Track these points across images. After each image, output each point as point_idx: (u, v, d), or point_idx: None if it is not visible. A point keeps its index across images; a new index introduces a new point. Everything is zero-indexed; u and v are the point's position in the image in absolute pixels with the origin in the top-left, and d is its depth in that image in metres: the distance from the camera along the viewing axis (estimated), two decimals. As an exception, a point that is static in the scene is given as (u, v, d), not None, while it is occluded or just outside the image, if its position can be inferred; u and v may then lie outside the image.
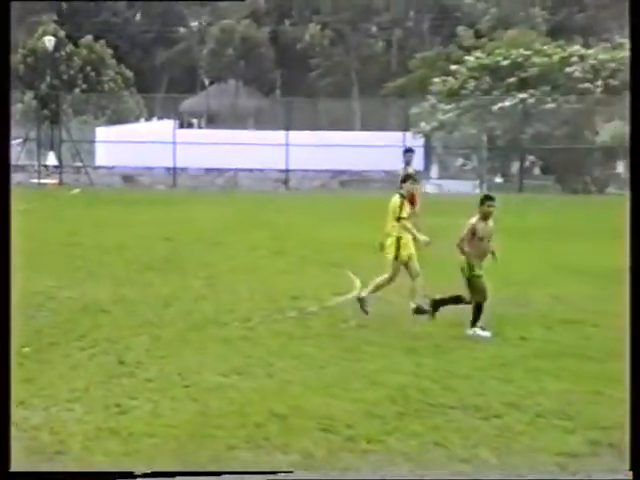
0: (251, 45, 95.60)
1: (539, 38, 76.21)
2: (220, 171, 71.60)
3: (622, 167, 69.54)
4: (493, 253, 21.59)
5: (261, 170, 70.97)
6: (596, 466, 13.04)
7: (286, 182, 70.88)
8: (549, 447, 13.79)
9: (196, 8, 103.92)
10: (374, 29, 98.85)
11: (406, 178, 24.76)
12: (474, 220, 21.37)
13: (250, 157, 69.27)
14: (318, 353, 19.18)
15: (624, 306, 22.62)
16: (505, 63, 70.39)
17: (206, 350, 19.44)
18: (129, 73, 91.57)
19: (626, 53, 70.81)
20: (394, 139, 71.07)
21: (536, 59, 69.98)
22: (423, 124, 71.34)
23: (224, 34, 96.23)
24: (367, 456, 13.42)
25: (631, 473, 8.49)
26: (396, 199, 23.82)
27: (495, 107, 68.33)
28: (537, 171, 73.25)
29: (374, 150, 69.86)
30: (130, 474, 9.43)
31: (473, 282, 21.31)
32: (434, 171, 72.41)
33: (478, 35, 77.82)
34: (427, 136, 71.52)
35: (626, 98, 51.31)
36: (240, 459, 13.06)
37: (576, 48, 71.68)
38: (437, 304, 22.16)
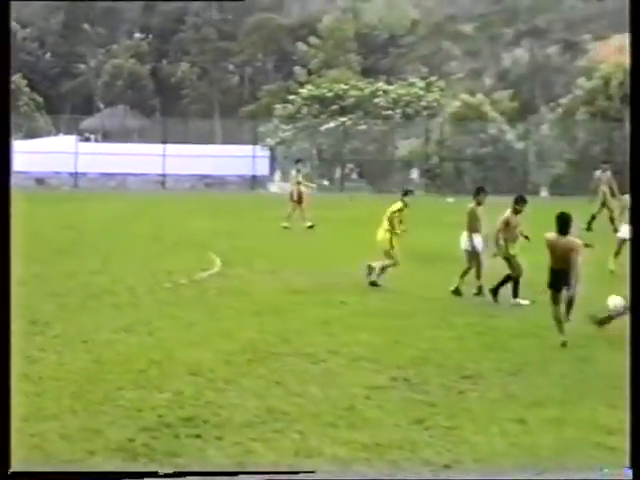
0: (136, 78, 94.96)
1: (354, 76, 76.75)
2: (112, 175, 70.85)
3: (415, 174, 70.17)
4: (526, 237, 21.91)
5: (144, 175, 70.45)
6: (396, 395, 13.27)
7: (163, 184, 70.35)
8: (361, 383, 14.03)
9: (94, 49, 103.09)
10: (231, 67, 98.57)
11: (407, 192, 24.80)
12: (508, 214, 21.67)
13: (136, 164, 68.87)
14: (187, 315, 19.20)
15: (415, 276, 22.87)
16: (329, 94, 70.87)
17: (101, 313, 19.38)
18: (40, 99, 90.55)
19: (416, 90, 71.81)
20: (246, 151, 71.28)
21: (352, 92, 70.75)
22: (269, 140, 71.61)
23: (115, 69, 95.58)
24: (224, 393, 13.55)
25: (631, 472, 7.66)
26: (396, 206, 24.31)
27: (322, 128, 68.73)
28: (355, 176, 73.64)
29: (231, 159, 70.04)
30: (132, 474, 8.40)
31: (510, 260, 21.64)
32: (277, 176, 72.50)
33: (310, 73, 78.09)
34: (271, 149, 71.73)
35: (417, 123, 51.00)
36: (126, 397, 13.05)
37: (381, 84, 72.49)
38: (496, 290, 21.90)
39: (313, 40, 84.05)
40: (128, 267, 26.55)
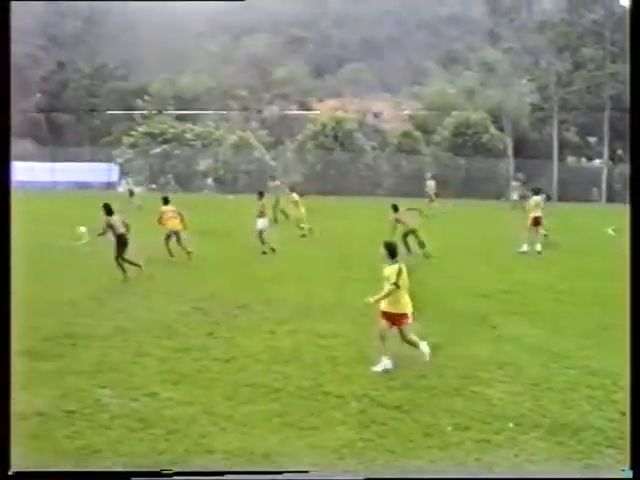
0: (37, 121, 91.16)
1: (172, 120, 75.68)
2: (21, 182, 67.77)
3: (210, 181, 69.82)
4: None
5: (40, 182, 67.74)
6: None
7: (54, 187, 67.84)
8: (174, 310, 13.84)
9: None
10: (96, 114, 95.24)
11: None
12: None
13: (35, 175, 66.46)
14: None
15: (204, 244, 22.45)
16: (156, 131, 70.13)
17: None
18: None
19: (210, 129, 71.34)
20: (104, 167, 70.35)
21: (171, 130, 70.39)
22: (118, 159, 70.37)
23: (21, 115, 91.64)
24: (90, 318, 13.14)
25: (631, 473, 6.43)
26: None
27: (152, 152, 68.10)
28: (172, 182, 72.40)
29: (95, 172, 69.21)
30: (132, 473, 6.98)
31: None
32: (123, 182, 71.12)
33: (144, 117, 76.65)
34: (121, 165, 70.34)
35: (211, 149, 49.10)
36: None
37: (189, 126, 72.39)
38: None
39: (146, 97, 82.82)
40: None
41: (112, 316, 13.40)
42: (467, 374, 10.08)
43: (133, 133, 71.52)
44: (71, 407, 8.60)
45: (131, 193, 43.30)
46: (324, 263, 20.73)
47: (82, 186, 68.58)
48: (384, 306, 10.25)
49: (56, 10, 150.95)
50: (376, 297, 10.20)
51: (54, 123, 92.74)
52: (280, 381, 9.69)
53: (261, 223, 22.34)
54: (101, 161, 71.89)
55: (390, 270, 10.24)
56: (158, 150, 68.00)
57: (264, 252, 21.80)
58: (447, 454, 7.45)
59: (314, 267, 19.96)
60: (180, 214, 20.94)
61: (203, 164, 68.72)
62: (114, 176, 71.06)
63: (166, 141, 69.02)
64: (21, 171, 61.45)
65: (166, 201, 21.13)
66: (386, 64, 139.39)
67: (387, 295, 10.12)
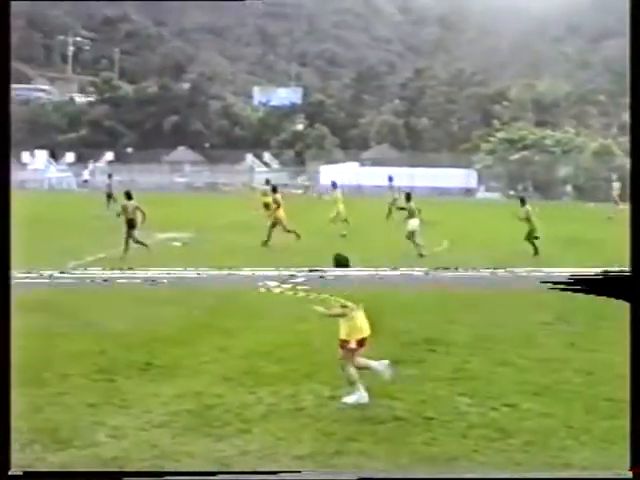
0: (394, 127, 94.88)
1: (531, 126, 75.36)
2: (379, 186, 71.14)
3: (569, 188, 68.45)
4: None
5: (394, 186, 70.53)
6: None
7: (409, 195, 70.56)
8: (535, 321, 14.09)
9: (368, 110, 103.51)
10: (453, 120, 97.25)
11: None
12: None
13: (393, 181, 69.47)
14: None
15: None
16: (515, 137, 70.49)
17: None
18: (337, 140, 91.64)
19: (570, 135, 69.90)
20: (462, 173, 71.31)
21: (530, 136, 70.12)
22: (477, 165, 71.62)
23: (382, 122, 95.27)
24: (450, 326, 13.67)
25: (631, 473, 6.19)
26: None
27: (511, 158, 68.55)
28: (530, 189, 72.03)
29: (453, 177, 70.71)
30: (131, 473, 6.73)
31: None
32: (482, 188, 71.91)
33: (502, 123, 77.03)
34: (479, 170, 71.82)
35: (571, 156, 47.90)
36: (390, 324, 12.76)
37: (548, 132, 71.67)
38: None
39: (504, 103, 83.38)
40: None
41: (473, 323, 13.69)
42: None
43: (491, 139, 72.40)
44: (429, 414, 8.68)
45: None
46: None
47: (441, 192, 70.07)
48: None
49: (413, 19, 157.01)
50: (323, 310, 9.24)
51: (412, 129, 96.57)
52: (639, 396, 9.54)
53: (411, 224, 22.49)
54: (459, 167, 73.36)
55: None
56: (517, 156, 68.31)
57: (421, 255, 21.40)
58: None
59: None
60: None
61: (563, 171, 67.84)
62: (472, 182, 72.09)
63: (525, 147, 69.09)
64: (378, 176, 64.41)
65: (272, 189, 26.16)
66: None
67: (332, 314, 9.15)
